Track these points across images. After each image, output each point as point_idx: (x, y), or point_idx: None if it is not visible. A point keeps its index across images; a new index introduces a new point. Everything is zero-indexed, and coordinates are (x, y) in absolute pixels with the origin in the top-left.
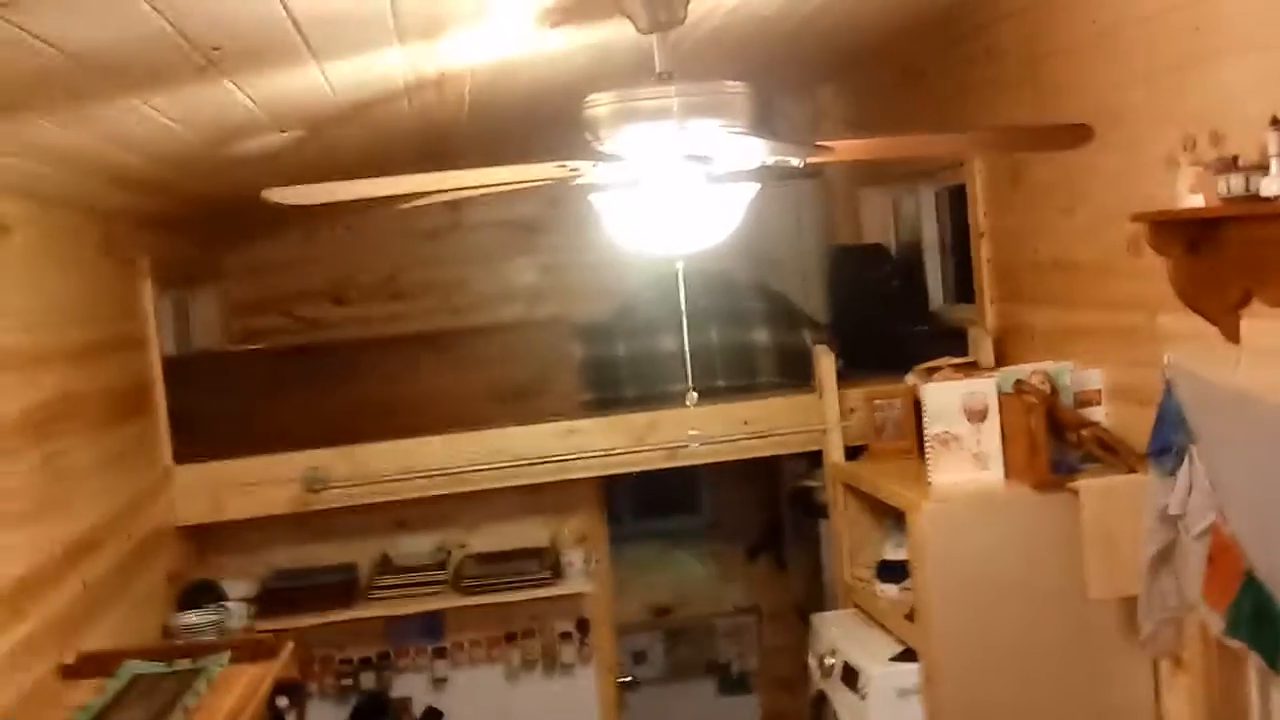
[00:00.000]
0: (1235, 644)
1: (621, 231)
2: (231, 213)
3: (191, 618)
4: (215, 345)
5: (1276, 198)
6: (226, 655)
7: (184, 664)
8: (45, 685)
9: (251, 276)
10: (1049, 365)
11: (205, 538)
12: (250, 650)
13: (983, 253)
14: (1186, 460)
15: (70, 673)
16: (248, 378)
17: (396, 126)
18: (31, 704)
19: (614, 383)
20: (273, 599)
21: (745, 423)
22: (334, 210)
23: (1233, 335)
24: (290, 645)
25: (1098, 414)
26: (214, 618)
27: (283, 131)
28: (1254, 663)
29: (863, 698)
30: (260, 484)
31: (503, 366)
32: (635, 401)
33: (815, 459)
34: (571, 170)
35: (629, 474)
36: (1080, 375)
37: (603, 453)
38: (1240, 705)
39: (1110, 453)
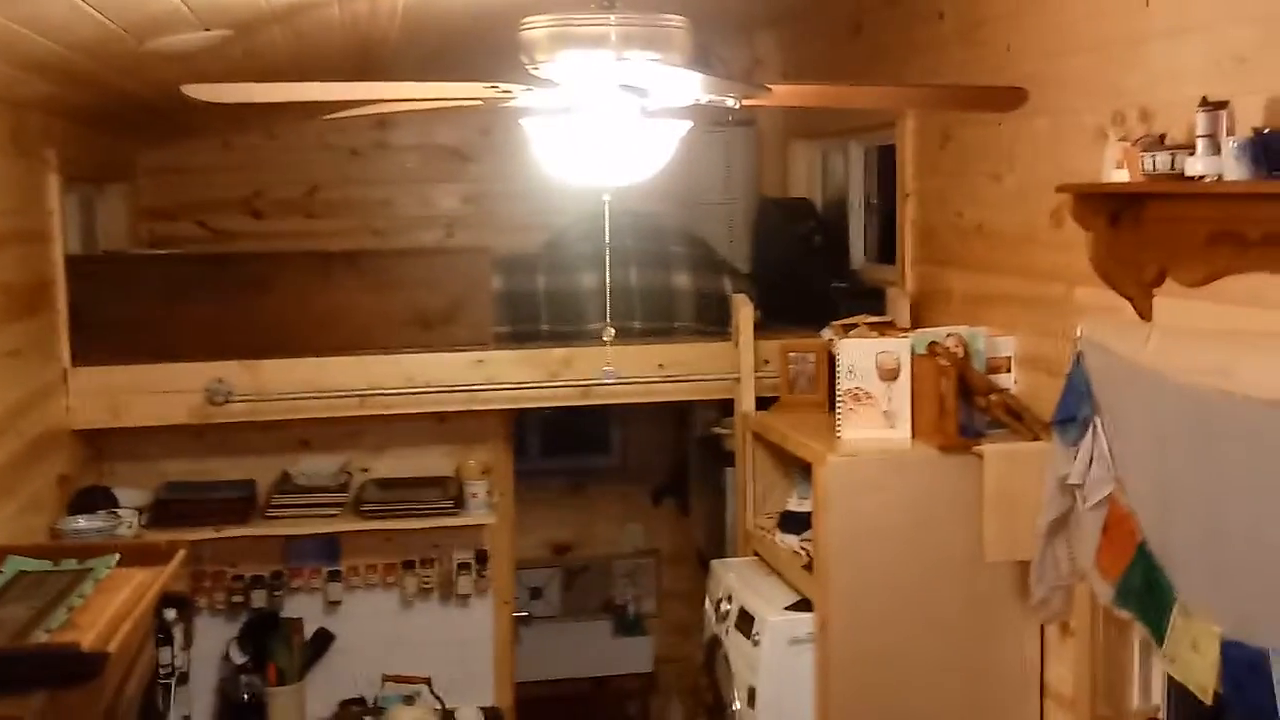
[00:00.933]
0: (1123, 614)
1: (550, 159)
2: (148, 111)
3: (81, 522)
4: (123, 248)
5: (1199, 177)
6: (115, 558)
7: (71, 564)
8: None
9: (164, 180)
10: (964, 329)
11: (101, 443)
12: (140, 554)
13: (907, 213)
14: (1089, 432)
15: None
16: (155, 283)
17: (325, 37)
18: None
19: (531, 317)
20: (166, 510)
21: (660, 366)
22: (254, 118)
23: (1146, 312)
24: (182, 552)
25: (1007, 381)
26: (104, 524)
27: (207, 30)
28: (1139, 633)
29: (755, 644)
30: (161, 392)
31: (419, 291)
32: (551, 338)
33: (726, 407)
34: (503, 92)
35: (539, 409)
36: (993, 341)
37: (514, 385)
38: (1122, 674)
39: (1016, 419)
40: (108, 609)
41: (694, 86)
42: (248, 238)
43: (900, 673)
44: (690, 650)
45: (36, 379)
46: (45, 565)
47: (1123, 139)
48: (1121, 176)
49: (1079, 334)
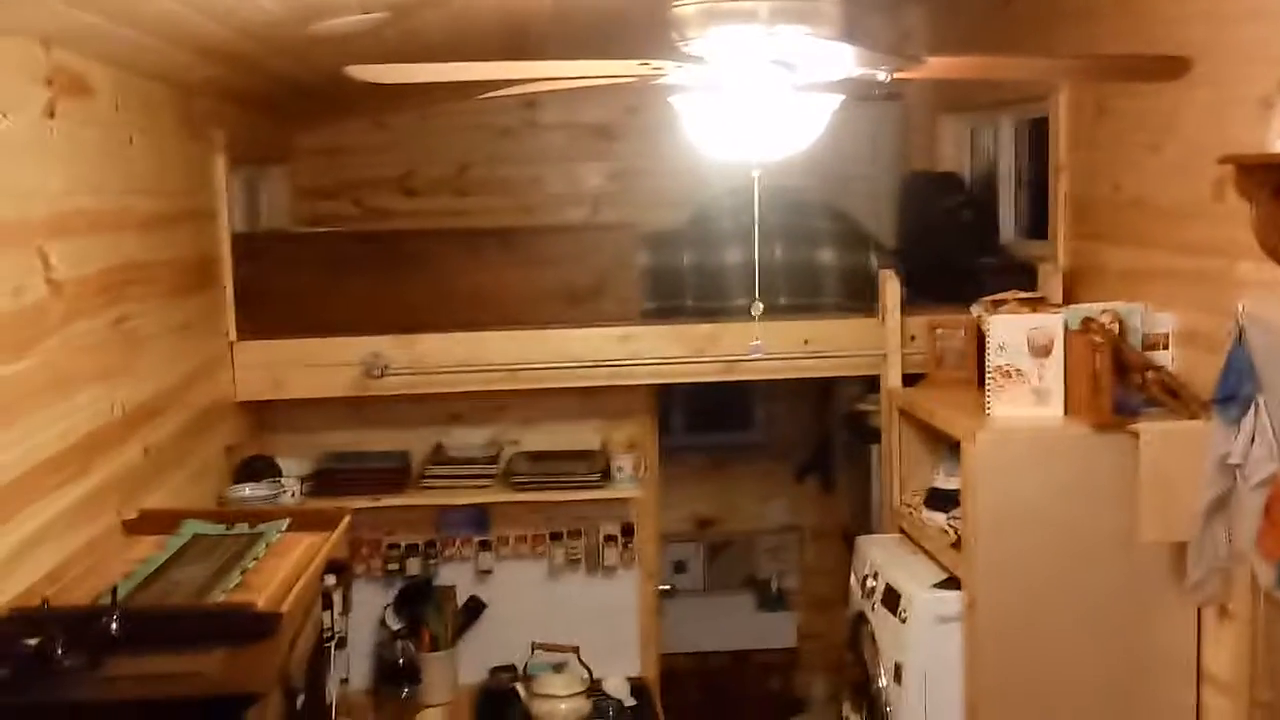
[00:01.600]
0: None
1: (700, 136)
2: (307, 94)
3: (247, 490)
4: (284, 226)
5: None
6: (285, 523)
7: (243, 528)
8: (109, 538)
9: (322, 160)
10: (1119, 305)
11: (263, 415)
12: (307, 520)
13: (1061, 187)
14: (1252, 410)
15: (132, 528)
16: (314, 260)
17: (478, 18)
18: (95, 554)
19: (676, 293)
20: (326, 480)
21: (805, 342)
22: (408, 99)
23: None
24: (348, 518)
25: (1164, 358)
26: (269, 492)
27: (367, 13)
28: None
29: (903, 621)
30: (321, 365)
31: (567, 268)
32: (696, 314)
33: (871, 384)
34: (654, 69)
35: (683, 385)
36: (1150, 318)
37: (660, 361)
38: None
39: (1174, 397)
40: (279, 572)
41: (845, 60)
42: (401, 216)
43: (1050, 653)
44: (833, 627)
45: (204, 352)
46: (219, 529)
47: None
48: None
49: (1241, 310)
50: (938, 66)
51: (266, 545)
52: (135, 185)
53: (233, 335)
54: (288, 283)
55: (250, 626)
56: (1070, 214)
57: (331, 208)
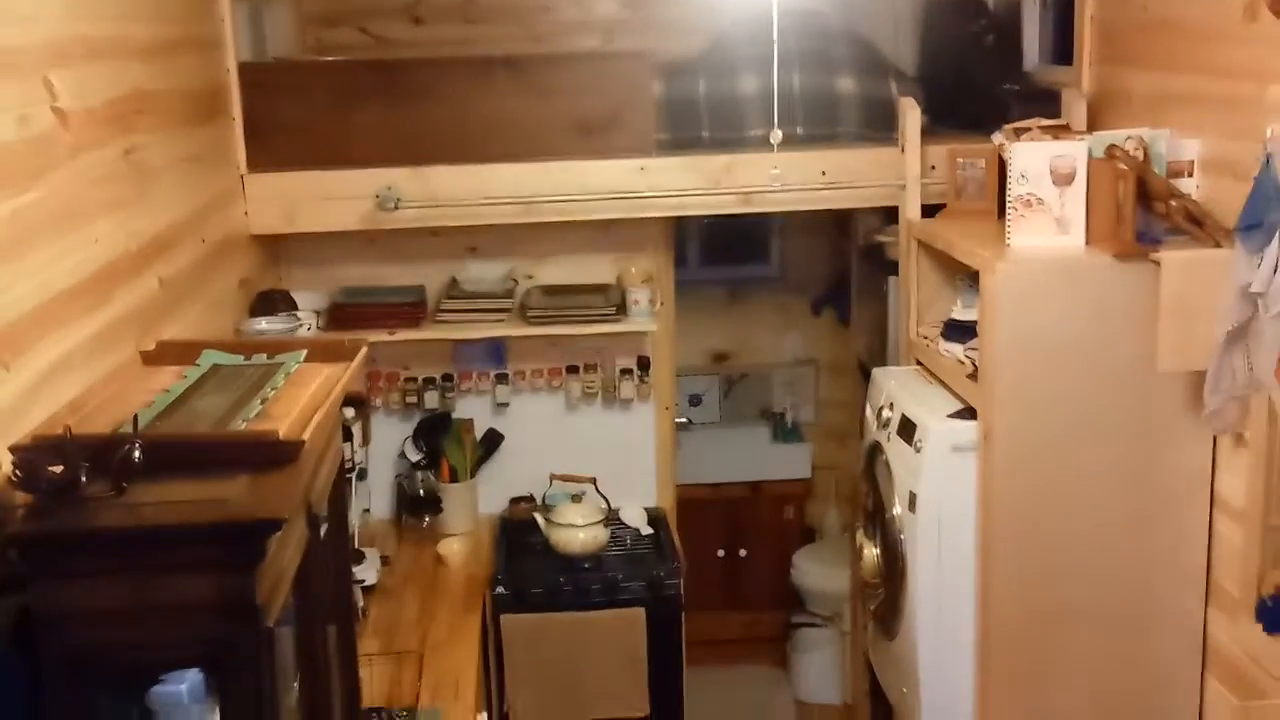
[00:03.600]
0: None
1: None
2: None
3: (263, 324)
4: (290, 55)
5: None
6: (303, 354)
7: (261, 359)
8: (128, 369)
9: None
10: (1144, 131)
11: (278, 248)
12: (325, 351)
13: (1087, 8)
14: (1276, 238)
15: (150, 359)
16: (324, 90)
17: None
18: (115, 384)
19: (692, 123)
20: (342, 314)
21: (823, 172)
22: None
23: None
24: (365, 349)
25: (1189, 186)
26: (285, 325)
27: None
28: None
29: (917, 450)
30: (333, 198)
31: (580, 98)
32: (712, 144)
33: (890, 215)
34: None
35: (698, 218)
36: (1176, 144)
37: (676, 193)
38: None
39: (1197, 226)
40: (299, 401)
41: None
42: (408, 44)
43: (1065, 481)
44: (847, 458)
45: (216, 184)
46: (237, 360)
47: None
48: None
49: (1270, 135)
50: None
51: (285, 375)
52: (138, 11)
53: (243, 168)
54: (297, 113)
55: (272, 454)
56: (1096, 37)
57: (337, 36)
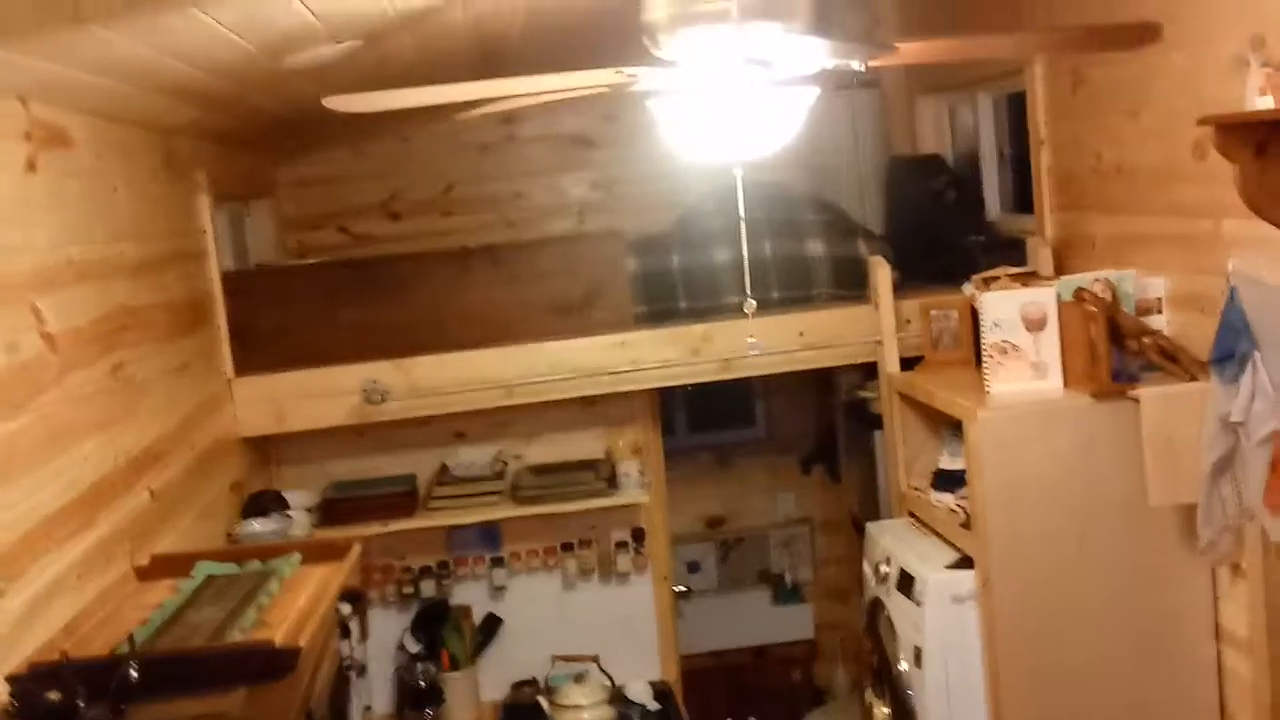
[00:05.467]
0: None
1: (680, 139)
2: (285, 127)
3: (256, 526)
4: (272, 260)
5: None
6: (297, 556)
7: (255, 565)
8: (122, 586)
9: (305, 191)
10: (1110, 273)
11: (267, 449)
12: (319, 552)
13: (1043, 161)
14: (1249, 367)
15: (145, 574)
16: (305, 291)
17: (450, 38)
18: (110, 603)
19: (668, 295)
20: (334, 509)
21: (801, 334)
22: (386, 123)
23: None
24: (357, 547)
25: (1159, 322)
26: (278, 526)
27: (339, 43)
28: None
29: (918, 604)
30: (320, 396)
31: (557, 279)
32: (689, 314)
33: (870, 370)
34: (629, 76)
35: (683, 387)
36: (1142, 283)
37: (658, 365)
38: None
39: (1171, 361)
40: (294, 606)
41: (819, 53)
42: (388, 240)
43: (1068, 624)
44: (850, 615)
45: (204, 391)
46: (231, 568)
47: (1265, 65)
48: (1266, 104)
49: (1231, 268)
50: (910, 53)
51: (279, 581)
52: (122, 232)
53: (230, 373)
54: (281, 316)
55: (270, 663)
56: (1054, 186)
57: (318, 238)
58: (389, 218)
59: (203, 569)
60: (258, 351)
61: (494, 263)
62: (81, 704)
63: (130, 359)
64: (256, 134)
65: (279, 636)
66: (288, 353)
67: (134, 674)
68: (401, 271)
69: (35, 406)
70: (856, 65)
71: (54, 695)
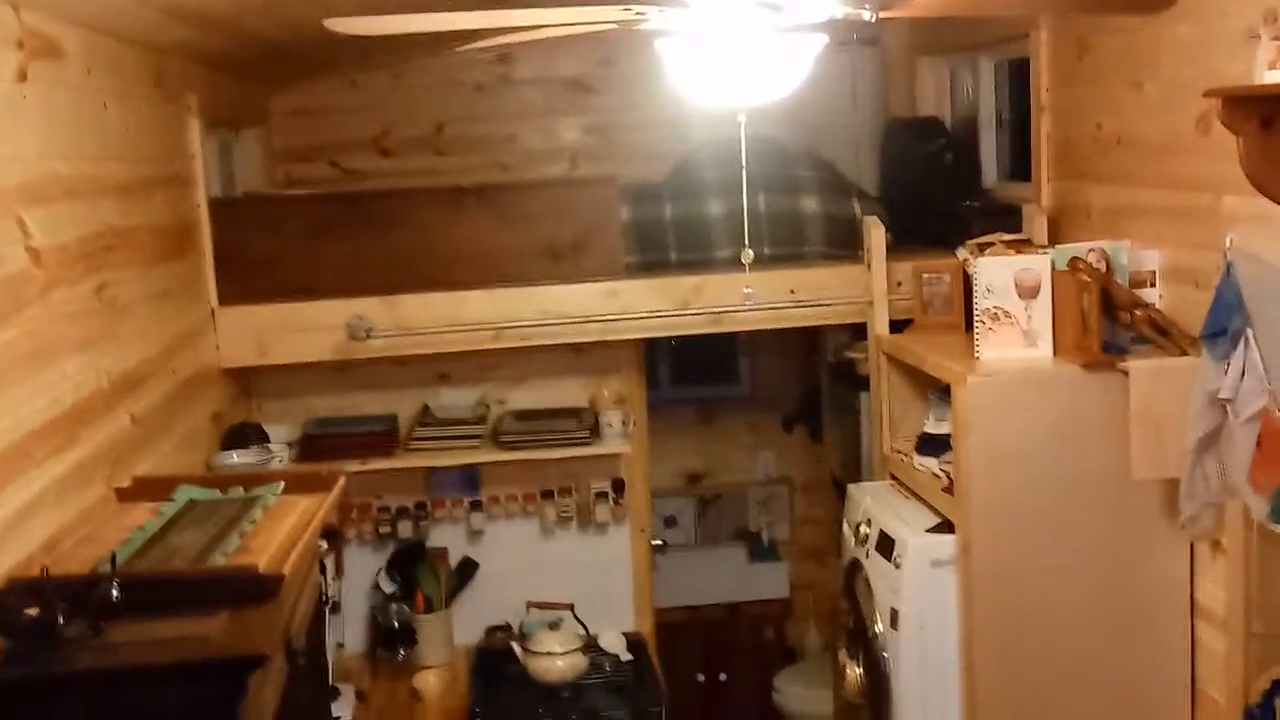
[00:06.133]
0: (1278, 529)
1: (684, 81)
2: (280, 54)
3: (235, 458)
4: (259, 190)
5: None
6: (280, 486)
7: (238, 492)
8: (103, 506)
9: (296, 123)
10: (1106, 244)
11: (248, 382)
12: (302, 483)
13: (1043, 127)
14: (1241, 344)
15: (125, 496)
16: (294, 223)
17: None
18: (91, 522)
19: (659, 246)
20: (314, 445)
21: (792, 291)
22: (381, 57)
23: None
24: (343, 479)
25: (1152, 295)
26: (257, 459)
27: None
28: None
29: (897, 566)
30: (304, 330)
31: (549, 223)
32: (679, 266)
33: (858, 331)
34: (637, 14)
35: (667, 340)
36: (1137, 255)
37: (647, 315)
38: (1277, 590)
39: (1162, 335)
40: (277, 534)
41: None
42: (378, 176)
43: (1045, 593)
44: (825, 576)
45: (187, 319)
46: (214, 494)
47: (1276, 38)
48: (1274, 78)
49: (1229, 244)
50: (921, 5)
51: (263, 508)
52: (110, 150)
53: (214, 302)
54: (267, 247)
55: (252, 589)
56: (1053, 154)
57: (307, 170)
58: (380, 154)
59: (185, 493)
60: (243, 282)
61: (485, 203)
62: (61, 620)
63: (115, 281)
64: (250, 59)
65: (263, 562)
66: (273, 284)
67: (115, 593)
68: (392, 207)
69: (19, 321)
70: (867, 15)
71: (32, 610)
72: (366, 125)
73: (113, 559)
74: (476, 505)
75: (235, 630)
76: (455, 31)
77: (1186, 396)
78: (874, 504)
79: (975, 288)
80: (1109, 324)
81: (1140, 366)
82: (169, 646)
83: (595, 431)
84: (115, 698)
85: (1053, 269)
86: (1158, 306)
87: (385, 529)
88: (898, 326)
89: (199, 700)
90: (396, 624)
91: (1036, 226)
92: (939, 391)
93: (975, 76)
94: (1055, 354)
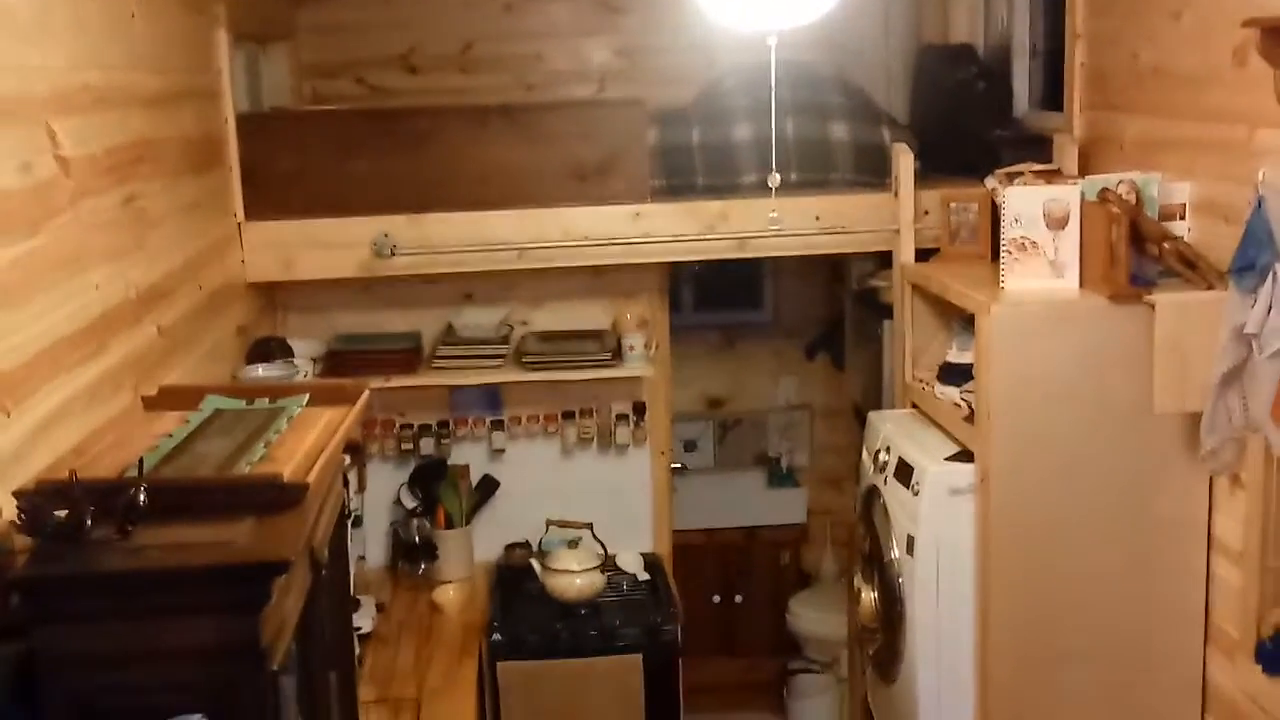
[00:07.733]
0: None
1: (715, 3)
2: None
3: (260, 371)
4: (286, 105)
5: None
6: (305, 398)
7: (263, 403)
8: (130, 414)
9: (322, 38)
10: (1136, 175)
11: (274, 296)
12: (327, 395)
13: (1077, 56)
14: (1269, 279)
15: (152, 405)
16: (321, 139)
17: None
18: (118, 429)
19: (686, 170)
20: (338, 361)
21: (817, 218)
22: None
23: None
24: (368, 393)
25: (1181, 228)
26: (282, 373)
27: None
28: None
29: (915, 494)
30: (330, 246)
31: (575, 145)
32: (706, 191)
33: (883, 259)
34: None
35: (691, 264)
36: (1168, 187)
37: (672, 239)
38: None
39: (1190, 268)
40: (302, 444)
41: None
42: (404, 94)
43: (1063, 523)
44: (842, 502)
45: (213, 232)
46: (240, 404)
47: None
48: None
49: (1261, 178)
50: None
51: (288, 419)
52: (139, 61)
53: (240, 216)
54: (293, 163)
55: (277, 497)
56: (1086, 83)
57: (333, 87)
58: (407, 71)
59: (211, 402)
60: (269, 197)
61: (512, 123)
62: (89, 522)
63: (143, 192)
64: None
65: (287, 471)
66: (299, 200)
67: (142, 497)
68: (418, 126)
69: (49, 229)
70: None
71: (61, 512)
72: (394, 42)
73: (140, 464)
74: (498, 424)
75: (260, 536)
76: None
77: (1212, 331)
78: (894, 431)
79: (1003, 218)
80: (1137, 256)
81: (1167, 300)
82: (194, 551)
83: (617, 354)
84: (140, 599)
85: (1082, 200)
86: (1187, 240)
87: (407, 445)
88: (923, 256)
89: (223, 604)
90: (417, 539)
91: (1067, 157)
92: (962, 321)
93: (1009, 3)
94: (1081, 285)
